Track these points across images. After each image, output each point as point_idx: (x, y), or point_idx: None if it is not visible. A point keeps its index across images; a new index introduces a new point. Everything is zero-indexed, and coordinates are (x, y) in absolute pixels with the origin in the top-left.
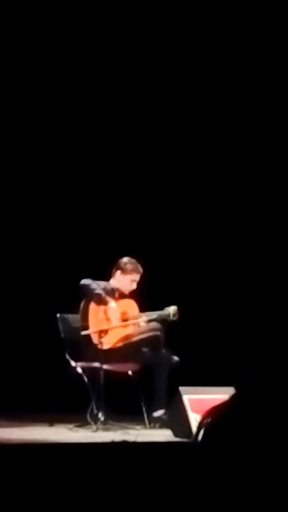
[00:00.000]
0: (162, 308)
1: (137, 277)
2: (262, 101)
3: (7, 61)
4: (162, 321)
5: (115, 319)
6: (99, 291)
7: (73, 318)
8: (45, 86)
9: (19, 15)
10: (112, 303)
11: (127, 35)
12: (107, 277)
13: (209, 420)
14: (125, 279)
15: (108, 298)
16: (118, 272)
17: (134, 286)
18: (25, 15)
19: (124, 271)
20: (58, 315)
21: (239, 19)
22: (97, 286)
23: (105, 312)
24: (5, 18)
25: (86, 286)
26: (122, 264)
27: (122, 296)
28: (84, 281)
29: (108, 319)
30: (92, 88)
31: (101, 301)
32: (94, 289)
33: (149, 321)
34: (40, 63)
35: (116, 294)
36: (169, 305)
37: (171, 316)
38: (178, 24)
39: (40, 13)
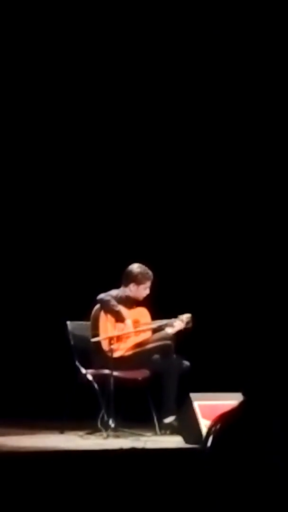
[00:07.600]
0: (176, 316)
1: (149, 283)
2: (262, 101)
3: (7, 61)
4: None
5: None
6: (117, 308)
7: (83, 326)
8: (47, 92)
9: (19, 15)
10: (128, 321)
11: (127, 35)
12: (118, 284)
13: (217, 427)
14: (139, 288)
15: (125, 315)
16: (132, 284)
17: (147, 292)
18: (25, 15)
19: (137, 282)
20: (67, 322)
21: (239, 18)
22: (116, 303)
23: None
24: (5, 18)
25: (105, 301)
26: (134, 276)
27: (135, 303)
28: (102, 296)
29: (119, 330)
30: (96, 94)
31: (119, 318)
32: (113, 306)
33: (160, 327)
34: (40, 63)
35: (129, 302)
36: (181, 312)
37: (185, 324)
38: (178, 24)
39: (40, 13)
